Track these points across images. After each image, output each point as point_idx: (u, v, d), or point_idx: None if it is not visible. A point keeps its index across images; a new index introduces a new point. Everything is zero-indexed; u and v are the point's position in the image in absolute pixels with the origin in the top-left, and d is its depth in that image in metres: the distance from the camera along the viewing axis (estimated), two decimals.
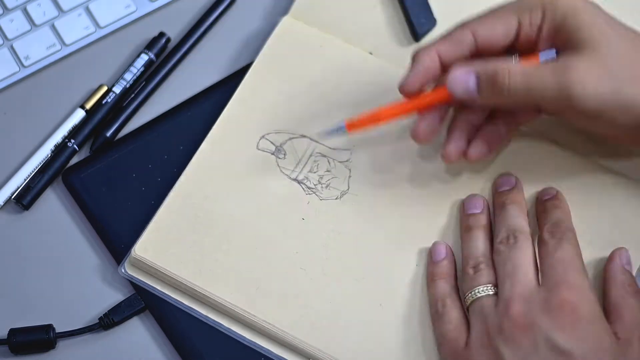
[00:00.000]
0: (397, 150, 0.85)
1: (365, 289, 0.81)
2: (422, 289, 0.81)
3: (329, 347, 0.79)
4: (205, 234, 0.82)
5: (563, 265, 0.75)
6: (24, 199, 0.86)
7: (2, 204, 0.87)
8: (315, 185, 0.84)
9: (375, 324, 0.80)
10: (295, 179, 0.84)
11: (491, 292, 0.76)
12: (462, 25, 0.78)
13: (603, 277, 0.78)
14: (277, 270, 0.81)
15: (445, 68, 0.78)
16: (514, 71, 0.74)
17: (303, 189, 0.84)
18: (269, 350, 0.81)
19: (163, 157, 0.87)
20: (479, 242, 0.79)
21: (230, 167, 0.84)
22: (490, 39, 0.77)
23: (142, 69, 0.90)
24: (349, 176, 0.85)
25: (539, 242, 0.77)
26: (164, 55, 0.91)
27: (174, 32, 0.92)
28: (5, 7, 0.91)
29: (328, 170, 0.85)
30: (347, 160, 0.85)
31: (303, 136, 0.86)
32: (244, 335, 0.81)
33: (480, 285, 0.76)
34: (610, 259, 0.79)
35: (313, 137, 0.86)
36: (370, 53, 0.88)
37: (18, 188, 0.87)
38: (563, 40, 0.75)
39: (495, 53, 0.78)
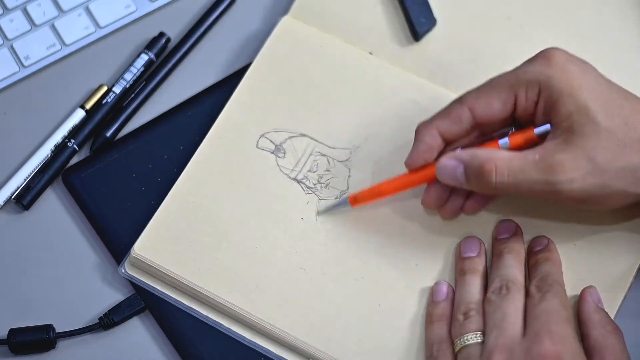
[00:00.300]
0: (397, 151, 0.85)
1: (364, 289, 0.81)
2: (421, 289, 0.81)
3: (328, 347, 0.79)
4: (205, 233, 0.82)
5: (547, 315, 0.75)
6: (24, 199, 0.86)
7: (2, 204, 0.87)
8: (314, 184, 0.84)
9: (375, 324, 0.80)
10: (294, 179, 0.84)
11: (479, 340, 0.76)
12: (460, 101, 0.78)
13: (579, 320, 0.78)
14: (276, 270, 0.81)
15: (447, 143, 0.79)
16: (501, 167, 0.75)
17: (302, 188, 0.84)
18: (268, 350, 0.81)
19: (163, 157, 0.87)
20: (472, 288, 0.79)
21: (230, 166, 0.84)
22: (487, 115, 0.78)
23: (142, 69, 0.90)
24: (349, 176, 0.85)
25: (527, 295, 0.77)
26: (164, 55, 0.91)
27: (174, 32, 0.92)
28: (5, 7, 0.91)
29: (327, 170, 0.85)
30: (346, 160, 0.85)
31: (303, 135, 0.86)
32: (244, 335, 0.81)
33: (469, 332, 0.76)
34: (582, 300, 0.79)
35: (313, 136, 0.86)
36: (370, 53, 0.88)
37: (18, 188, 0.87)
38: (556, 119, 0.75)
39: (494, 125, 0.78)
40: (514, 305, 0.76)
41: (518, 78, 0.77)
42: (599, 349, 0.75)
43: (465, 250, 0.81)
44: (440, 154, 0.79)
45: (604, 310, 0.78)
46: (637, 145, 0.74)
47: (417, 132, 0.79)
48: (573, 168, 0.74)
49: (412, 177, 0.80)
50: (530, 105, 0.77)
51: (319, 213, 0.83)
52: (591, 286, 0.79)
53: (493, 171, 0.75)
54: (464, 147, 0.79)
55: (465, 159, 0.76)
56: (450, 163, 0.77)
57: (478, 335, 0.76)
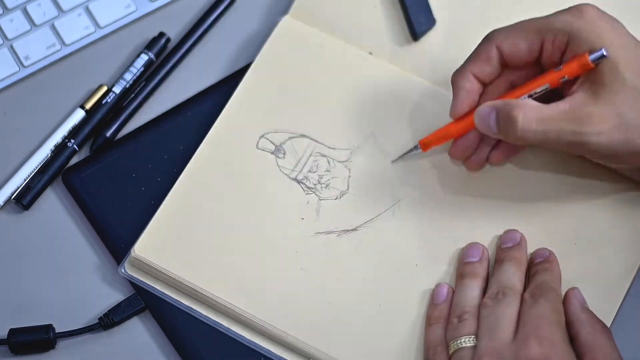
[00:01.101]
0: (397, 150, 0.85)
1: (364, 290, 0.81)
2: (421, 289, 0.81)
3: (328, 347, 0.79)
4: (205, 234, 0.82)
5: (536, 320, 0.75)
6: (24, 199, 0.86)
7: (2, 204, 0.87)
8: (314, 185, 0.84)
9: (375, 325, 0.80)
10: (294, 179, 0.84)
11: (472, 344, 0.76)
12: (487, 39, 0.79)
13: (567, 321, 0.77)
14: (276, 270, 0.81)
15: (485, 84, 0.80)
16: (529, 114, 0.75)
17: (302, 188, 0.84)
18: (268, 350, 0.81)
19: (163, 157, 0.87)
20: (469, 292, 0.79)
21: (230, 167, 0.84)
22: (514, 54, 0.78)
23: (142, 69, 0.90)
24: (349, 176, 0.85)
25: (521, 302, 0.77)
26: (164, 55, 0.91)
27: (174, 32, 0.92)
28: (5, 7, 0.91)
29: (328, 170, 0.85)
30: (346, 160, 0.85)
31: (303, 136, 0.86)
32: (244, 335, 0.81)
33: (462, 335, 0.77)
34: (567, 301, 0.79)
35: (313, 136, 0.86)
36: (370, 53, 0.88)
37: (18, 188, 0.87)
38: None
39: (521, 68, 0.79)
40: (508, 311, 0.76)
41: (548, 24, 0.77)
42: (589, 348, 0.75)
43: (468, 256, 0.81)
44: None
45: (590, 310, 0.78)
46: None
47: (453, 82, 0.80)
48: (602, 121, 0.74)
49: (454, 126, 0.81)
50: (556, 53, 0.77)
51: (393, 162, 0.84)
52: (574, 287, 0.79)
53: (519, 119, 0.75)
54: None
55: (498, 105, 0.77)
56: (485, 110, 0.78)
57: (471, 339, 0.76)
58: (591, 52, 0.76)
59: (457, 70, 0.80)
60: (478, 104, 0.80)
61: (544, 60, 0.78)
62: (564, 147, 0.76)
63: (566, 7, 0.78)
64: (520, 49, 0.78)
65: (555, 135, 0.75)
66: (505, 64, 0.80)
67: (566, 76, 0.77)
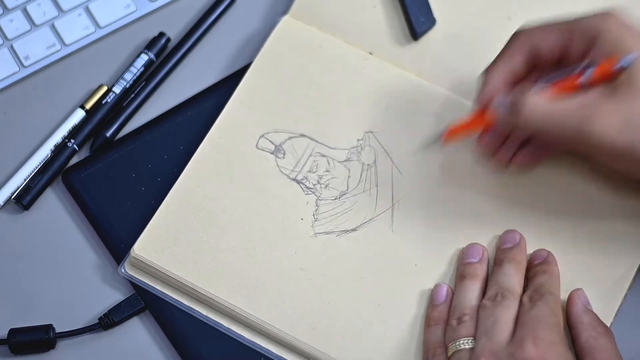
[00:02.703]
0: (397, 150, 0.85)
1: (364, 289, 0.81)
2: (420, 289, 0.81)
3: (327, 347, 0.79)
4: (205, 234, 0.82)
5: (534, 322, 0.75)
6: (24, 199, 0.86)
7: (2, 204, 0.87)
8: (314, 185, 0.84)
9: (374, 325, 0.80)
10: (294, 179, 0.84)
11: (470, 346, 0.76)
12: (518, 35, 0.80)
13: (568, 323, 0.78)
14: (276, 270, 0.81)
15: (514, 81, 0.80)
16: (534, 104, 0.76)
17: (302, 188, 0.84)
18: (268, 350, 0.81)
19: (163, 157, 0.87)
20: (469, 293, 0.79)
21: (230, 167, 0.84)
22: (542, 45, 0.78)
23: (142, 69, 0.90)
24: (349, 176, 0.85)
25: (519, 305, 0.77)
26: (164, 55, 0.91)
27: (174, 32, 0.92)
28: (5, 7, 0.91)
29: (327, 170, 0.85)
30: (346, 160, 0.85)
31: (302, 135, 0.86)
32: (244, 335, 0.81)
33: (460, 337, 0.77)
34: (570, 302, 0.79)
35: (313, 136, 0.86)
36: (370, 53, 0.88)
37: (18, 188, 0.87)
38: None
39: (546, 61, 0.79)
40: (507, 313, 0.76)
41: (578, 23, 0.77)
42: (589, 350, 0.76)
43: (467, 256, 0.81)
44: None
45: (593, 312, 0.78)
46: None
47: (486, 74, 0.80)
48: (609, 121, 0.74)
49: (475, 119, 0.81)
50: (580, 51, 0.77)
51: (417, 150, 0.84)
52: (579, 288, 0.79)
53: (528, 101, 0.75)
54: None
55: (513, 92, 0.77)
56: (500, 99, 0.78)
57: (470, 340, 0.76)
58: (617, 60, 0.75)
59: (489, 65, 0.80)
60: None
61: (568, 58, 0.78)
62: (567, 141, 0.76)
63: (565, 6, 0.78)
64: (549, 40, 0.78)
65: (559, 128, 0.75)
66: (533, 62, 0.79)
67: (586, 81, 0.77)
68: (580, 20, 0.78)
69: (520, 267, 0.79)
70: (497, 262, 0.80)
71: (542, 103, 0.75)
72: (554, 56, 0.78)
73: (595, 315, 0.78)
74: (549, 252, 0.80)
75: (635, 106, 0.74)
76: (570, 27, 0.78)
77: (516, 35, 0.80)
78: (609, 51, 0.76)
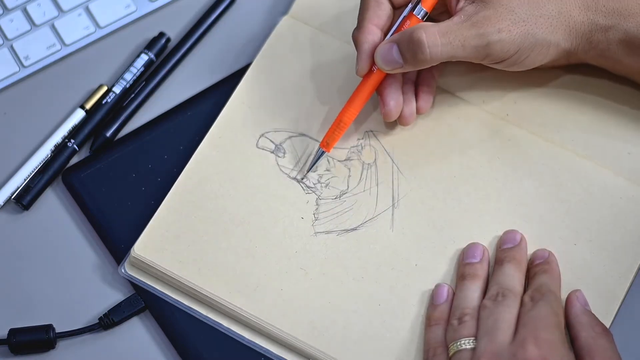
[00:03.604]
0: (397, 150, 0.85)
1: (364, 289, 0.81)
2: (421, 289, 0.81)
3: (328, 347, 0.79)
4: (205, 233, 0.82)
5: (535, 322, 0.75)
6: (24, 199, 0.86)
7: (2, 204, 0.87)
8: (314, 184, 0.84)
9: (374, 324, 0.80)
10: (294, 178, 0.84)
11: (471, 346, 0.76)
12: None
13: (567, 323, 0.78)
14: (276, 270, 0.81)
15: (384, 33, 0.82)
16: (431, 33, 0.78)
17: (302, 188, 0.84)
18: (268, 350, 0.81)
19: (163, 157, 0.87)
20: (469, 293, 0.79)
21: (230, 166, 0.84)
22: None
23: (142, 69, 0.90)
24: (349, 175, 0.85)
25: (520, 304, 0.77)
26: (164, 55, 0.91)
27: (174, 32, 0.92)
28: (5, 7, 0.91)
29: (327, 170, 0.85)
30: (346, 160, 0.85)
31: (303, 135, 0.86)
32: (244, 335, 0.81)
33: (462, 337, 0.77)
34: (569, 303, 0.79)
35: (313, 136, 0.86)
36: None
37: (18, 188, 0.87)
38: None
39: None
40: (508, 312, 0.76)
41: None
42: (588, 350, 0.76)
43: (468, 256, 0.81)
44: None
45: (592, 313, 0.78)
46: None
47: (355, 39, 0.82)
48: (498, 20, 0.78)
49: (364, 86, 0.82)
50: None
51: (304, 175, 0.84)
52: (577, 289, 0.79)
53: (423, 38, 0.78)
54: None
55: (396, 37, 0.80)
56: (385, 47, 0.80)
57: (471, 340, 0.76)
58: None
59: (355, 28, 0.82)
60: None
61: None
62: (471, 55, 0.79)
63: None
64: None
65: (460, 44, 0.78)
66: (394, 5, 0.82)
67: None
68: None
69: (520, 266, 0.79)
70: (497, 262, 0.80)
71: (436, 30, 0.78)
72: None
73: (594, 315, 0.78)
74: (549, 252, 0.80)
75: (511, 1, 0.78)
76: None
77: None
78: None
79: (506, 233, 0.82)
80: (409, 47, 0.79)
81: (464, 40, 0.78)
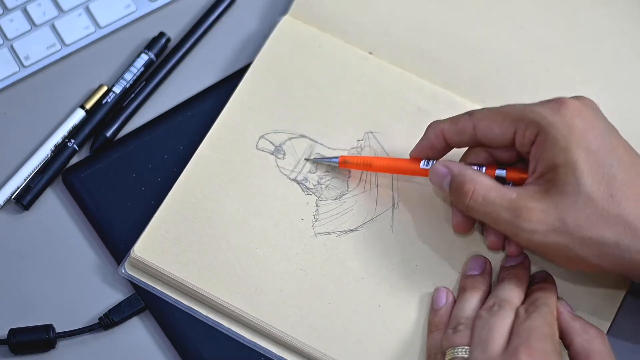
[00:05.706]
0: (397, 150, 0.85)
1: (364, 290, 0.81)
2: (420, 290, 0.81)
3: (328, 347, 0.79)
4: (205, 234, 0.82)
5: (527, 332, 0.74)
6: (24, 199, 0.86)
7: (2, 204, 0.87)
8: (314, 185, 0.84)
9: (375, 325, 0.80)
10: (294, 179, 0.84)
11: (465, 356, 0.76)
12: (469, 114, 0.79)
13: (559, 331, 0.77)
14: (276, 271, 0.81)
15: (450, 146, 0.80)
16: (477, 193, 0.76)
17: (302, 189, 0.84)
18: (268, 350, 0.81)
19: (163, 157, 0.87)
20: (467, 304, 0.79)
21: (230, 167, 0.84)
22: (488, 136, 0.78)
23: (142, 69, 0.90)
24: (348, 177, 0.85)
25: (515, 316, 0.77)
26: (164, 55, 0.91)
27: (174, 32, 0.92)
28: (5, 7, 0.91)
29: (327, 171, 0.85)
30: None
31: (302, 136, 0.86)
32: (244, 335, 0.81)
33: (455, 346, 0.77)
34: (556, 313, 0.78)
35: (312, 137, 0.86)
36: (370, 53, 0.88)
37: (18, 188, 0.87)
38: (543, 167, 0.75)
39: (496, 147, 0.79)
40: (502, 323, 0.76)
41: (523, 113, 0.76)
42: (585, 354, 0.75)
43: (470, 269, 0.81)
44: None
45: (582, 318, 0.78)
46: (613, 220, 0.73)
47: (427, 128, 0.81)
48: (539, 220, 0.74)
49: (401, 164, 0.82)
50: (526, 144, 0.76)
51: (309, 159, 0.84)
52: (560, 298, 0.79)
53: (470, 193, 0.76)
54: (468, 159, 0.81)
55: (454, 171, 0.78)
56: (442, 170, 0.79)
57: (465, 349, 0.76)
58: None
59: (436, 120, 0.80)
60: None
61: (517, 147, 0.78)
62: (502, 231, 0.77)
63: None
64: (494, 132, 0.78)
65: (494, 219, 0.76)
66: (479, 142, 0.79)
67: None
68: (529, 109, 0.76)
69: (520, 282, 0.79)
70: (499, 279, 0.80)
71: (483, 194, 0.76)
72: (500, 142, 0.78)
73: (584, 320, 0.78)
74: (548, 274, 0.80)
75: (570, 207, 0.73)
76: (517, 117, 0.76)
77: (468, 113, 0.79)
78: (549, 144, 0.74)
79: (509, 251, 0.81)
80: (456, 190, 0.77)
81: (499, 220, 0.75)
